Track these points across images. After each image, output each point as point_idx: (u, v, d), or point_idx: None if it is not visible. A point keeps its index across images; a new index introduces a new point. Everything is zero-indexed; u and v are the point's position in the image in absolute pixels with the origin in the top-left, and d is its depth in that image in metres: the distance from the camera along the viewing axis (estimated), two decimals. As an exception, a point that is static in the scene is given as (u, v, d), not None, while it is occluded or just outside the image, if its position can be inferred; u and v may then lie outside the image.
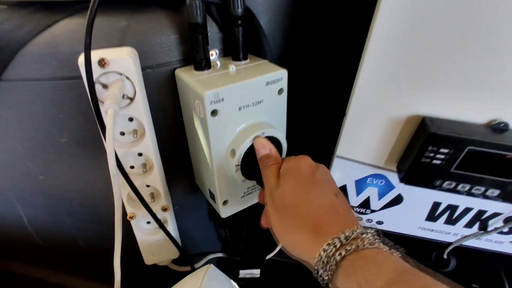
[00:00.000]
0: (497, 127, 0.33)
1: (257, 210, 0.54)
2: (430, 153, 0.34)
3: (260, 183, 0.38)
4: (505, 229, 0.43)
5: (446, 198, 0.42)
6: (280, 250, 0.63)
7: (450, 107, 0.34)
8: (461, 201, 0.42)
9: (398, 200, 0.44)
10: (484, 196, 0.37)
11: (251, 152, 0.34)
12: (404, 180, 0.37)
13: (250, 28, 0.37)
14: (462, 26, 0.29)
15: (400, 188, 0.42)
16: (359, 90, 0.35)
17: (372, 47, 0.32)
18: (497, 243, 0.45)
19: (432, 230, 0.47)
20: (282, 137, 0.37)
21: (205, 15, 0.32)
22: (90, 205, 0.44)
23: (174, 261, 0.50)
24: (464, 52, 0.30)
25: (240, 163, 0.35)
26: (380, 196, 0.44)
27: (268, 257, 0.60)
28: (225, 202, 0.39)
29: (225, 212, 0.40)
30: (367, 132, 0.38)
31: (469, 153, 0.33)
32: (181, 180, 0.44)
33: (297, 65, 0.45)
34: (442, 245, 0.48)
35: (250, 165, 0.35)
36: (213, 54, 0.36)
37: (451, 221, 0.44)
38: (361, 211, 0.47)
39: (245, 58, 0.37)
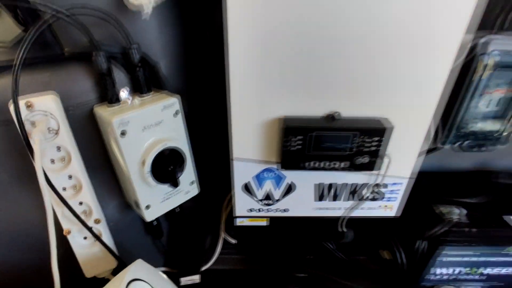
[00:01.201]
0: (333, 116, 0.47)
1: (189, 221, 0.62)
2: (291, 142, 0.46)
3: (172, 185, 0.48)
4: (373, 196, 0.56)
5: (325, 178, 0.54)
6: (218, 258, 0.70)
7: (301, 108, 0.47)
8: (337, 179, 0.54)
9: (291, 187, 0.55)
10: (342, 169, 0.49)
11: (158, 160, 0.45)
12: (282, 167, 0.49)
13: (151, 68, 0.49)
14: (295, 43, 0.42)
15: (289, 176, 0.54)
16: (233, 102, 0.46)
17: (232, 67, 0.44)
18: (373, 209, 0.58)
19: (327, 209, 0.58)
20: (183, 148, 0.47)
21: (109, 65, 0.43)
22: (35, 234, 0.50)
23: (114, 273, 0.56)
24: (300, 63, 0.43)
25: (150, 170, 0.45)
26: (277, 187, 0.55)
27: (204, 267, 0.67)
28: (147, 207, 0.48)
29: (149, 215, 0.49)
30: (250, 134, 0.49)
31: (317, 137, 0.46)
32: (113, 198, 0.53)
33: (196, 90, 0.57)
34: (338, 221, 0.59)
35: (159, 171, 0.45)
36: (125, 91, 0.47)
37: (336, 197, 0.56)
38: (268, 203, 0.57)
39: (149, 91, 0.48)
